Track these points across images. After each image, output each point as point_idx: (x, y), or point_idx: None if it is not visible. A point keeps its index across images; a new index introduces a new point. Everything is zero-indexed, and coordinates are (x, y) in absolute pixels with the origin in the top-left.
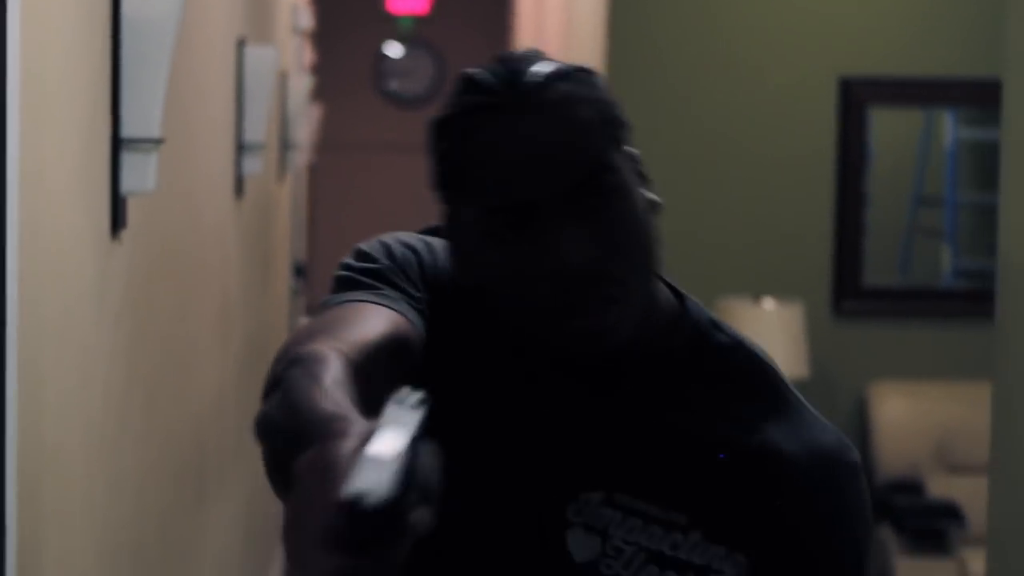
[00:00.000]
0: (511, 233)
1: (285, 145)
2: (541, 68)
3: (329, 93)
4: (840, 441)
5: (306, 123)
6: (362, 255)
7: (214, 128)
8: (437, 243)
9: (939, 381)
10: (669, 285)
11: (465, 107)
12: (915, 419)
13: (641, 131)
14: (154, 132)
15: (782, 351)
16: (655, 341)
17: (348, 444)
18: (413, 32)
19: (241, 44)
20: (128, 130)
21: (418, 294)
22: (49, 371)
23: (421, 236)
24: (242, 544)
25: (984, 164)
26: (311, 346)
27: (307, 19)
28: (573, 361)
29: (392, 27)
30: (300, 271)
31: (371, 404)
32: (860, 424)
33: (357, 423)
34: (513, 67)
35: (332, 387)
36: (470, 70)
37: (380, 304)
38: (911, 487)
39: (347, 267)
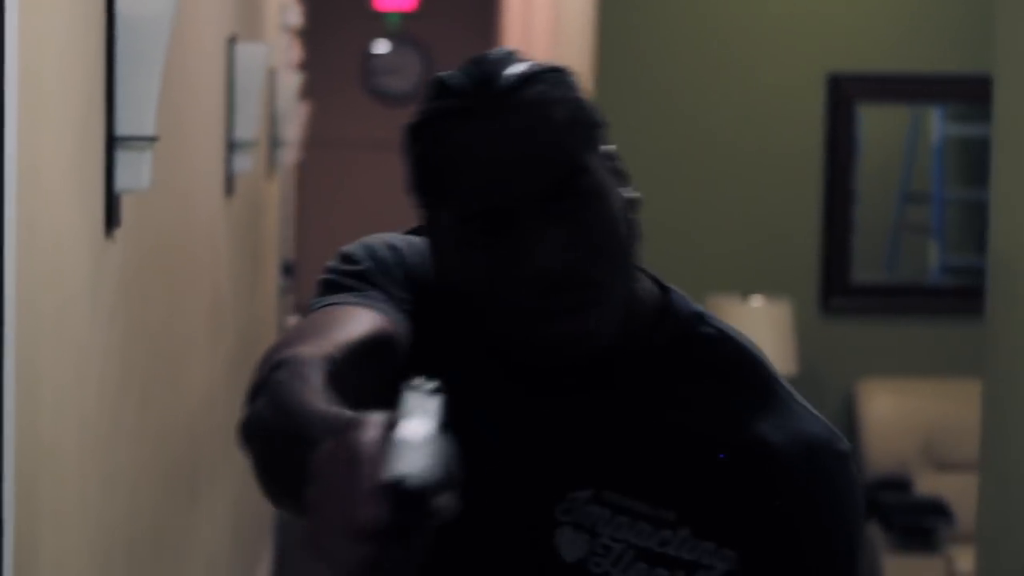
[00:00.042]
0: (488, 238)
1: (274, 143)
2: (514, 70)
3: (317, 90)
4: (829, 431)
5: (295, 120)
6: (346, 258)
7: (206, 126)
8: (421, 243)
9: (927, 378)
10: (654, 278)
11: (438, 112)
12: (903, 416)
13: (629, 128)
14: (148, 130)
15: (770, 348)
16: (639, 336)
17: (368, 434)
18: (400, 29)
19: (232, 41)
20: (122, 128)
21: (402, 294)
22: (46, 369)
23: (405, 236)
24: (231, 541)
25: (971, 160)
26: (295, 350)
27: (296, 16)
28: (555, 362)
29: (380, 24)
30: (289, 269)
31: (357, 405)
32: (848, 421)
33: (371, 414)
34: (486, 69)
35: (322, 387)
36: (442, 73)
37: (363, 305)
38: (899, 484)
39: (331, 270)
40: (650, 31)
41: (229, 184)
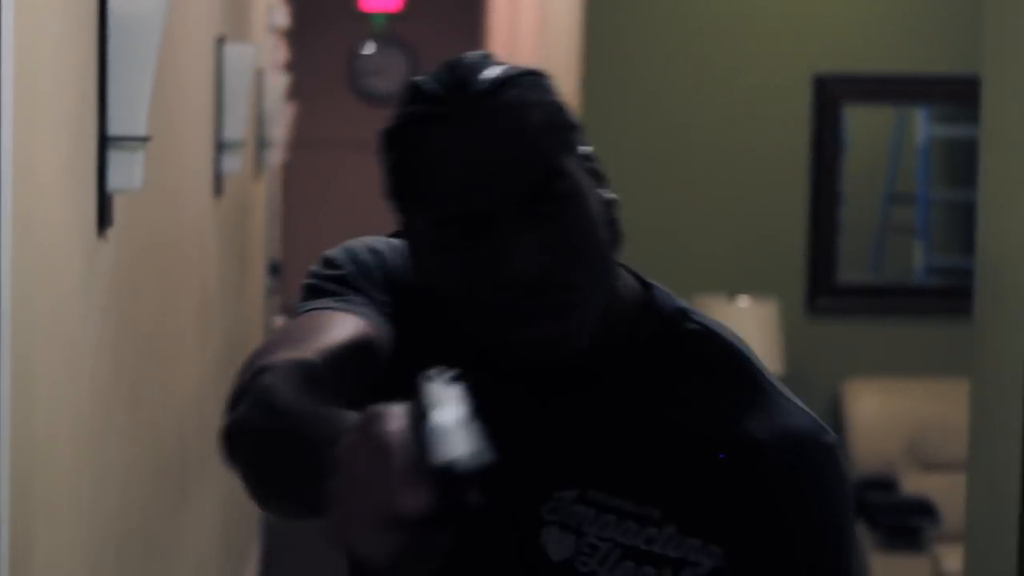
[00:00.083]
0: (466, 242)
1: (261, 143)
2: (489, 74)
3: (303, 91)
4: (816, 424)
5: (281, 121)
6: (327, 262)
7: (195, 125)
8: (403, 246)
9: (913, 378)
10: (635, 275)
11: (414, 117)
12: (889, 416)
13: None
14: (140, 130)
15: (757, 348)
16: (621, 334)
17: (393, 423)
18: (386, 30)
19: (220, 42)
20: (115, 128)
21: (383, 298)
22: (41, 366)
23: (388, 239)
24: (220, 539)
25: (956, 161)
26: (276, 356)
27: (282, 17)
28: (534, 365)
29: (365, 25)
30: (276, 269)
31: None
32: (834, 421)
33: (388, 406)
34: (461, 74)
35: (308, 390)
36: (417, 77)
37: (344, 310)
38: (885, 484)
39: (313, 275)
40: (637, 32)
41: (218, 184)
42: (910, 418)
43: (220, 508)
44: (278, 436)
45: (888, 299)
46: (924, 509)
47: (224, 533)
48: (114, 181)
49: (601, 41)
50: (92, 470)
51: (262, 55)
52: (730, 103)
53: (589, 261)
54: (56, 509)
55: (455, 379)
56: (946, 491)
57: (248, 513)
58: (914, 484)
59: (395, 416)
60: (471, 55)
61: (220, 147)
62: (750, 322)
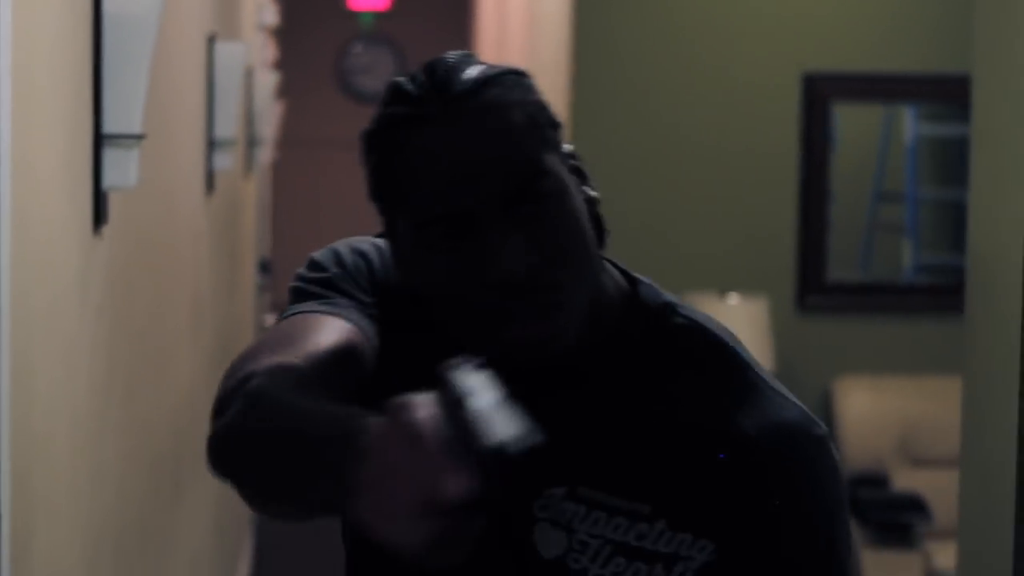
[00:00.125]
0: (450, 243)
1: (251, 141)
2: (470, 74)
3: (291, 89)
4: (806, 416)
5: (270, 119)
6: (313, 265)
7: (188, 123)
8: (388, 247)
9: (902, 375)
10: (622, 270)
11: (395, 118)
12: (879, 413)
13: (605, 127)
14: (135, 128)
15: (747, 346)
16: (608, 329)
17: (424, 412)
18: (374, 28)
19: (211, 40)
20: (110, 126)
21: (369, 299)
22: (39, 362)
23: (374, 240)
24: (214, 535)
25: (944, 160)
26: (262, 362)
27: (271, 15)
28: (520, 364)
29: (354, 23)
30: (266, 267)
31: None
32: (825, 418)
33: (415, 396)
34: (442, 75)
35: (299, 392)
36: (398, 78)
37: (329, 314)
38: (876, 481)
39: (299, 277)
40: (626, 30)
41: (210, 182)
42: (900, 415)
43: (214, 503)
44: (278, 436)
45: (877, 297)
46: (915, 505)
47: (218, 527)
48: (109, 178)
49: (590, 39)
50: (89, 466)
51: (251, 53)
52: (720, 101)
53: (575, 260)
54: (54, 504)
55: (480, 366)
56: (937, 487)
57: (241, 509)
58: (905, 481)
59: (424, 404)
60: (452, 55)
61: (212, 145)
62: (740, 320)
